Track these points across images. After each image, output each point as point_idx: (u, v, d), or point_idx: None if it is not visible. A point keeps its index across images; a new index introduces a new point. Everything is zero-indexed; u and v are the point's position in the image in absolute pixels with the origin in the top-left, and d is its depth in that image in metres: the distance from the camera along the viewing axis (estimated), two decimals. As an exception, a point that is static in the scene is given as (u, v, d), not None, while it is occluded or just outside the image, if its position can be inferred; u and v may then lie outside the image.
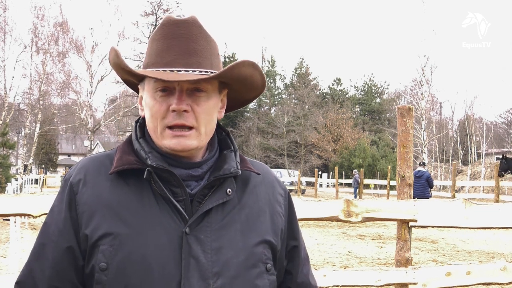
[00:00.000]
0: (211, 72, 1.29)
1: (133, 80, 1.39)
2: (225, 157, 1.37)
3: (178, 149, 1.29)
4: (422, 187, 13.73)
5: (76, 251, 1.29)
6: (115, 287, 1.24)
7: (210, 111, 1.31)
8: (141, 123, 1.39)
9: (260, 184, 1.42)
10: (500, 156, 18.57)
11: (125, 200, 1.28)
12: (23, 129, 35.47)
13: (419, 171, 13.82)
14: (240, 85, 1.36)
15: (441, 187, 32.02)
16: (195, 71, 1.28)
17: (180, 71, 1.27)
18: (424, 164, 14.77)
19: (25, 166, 31.91)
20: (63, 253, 1.29)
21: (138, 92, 1.41)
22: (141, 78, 1.34)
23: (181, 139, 1.28)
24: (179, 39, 1.29)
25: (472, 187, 32.95)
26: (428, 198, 13.09)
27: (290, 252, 1.45)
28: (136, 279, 1.23)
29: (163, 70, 1.28)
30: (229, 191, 1.32)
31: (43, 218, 1.82)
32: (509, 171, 19.16)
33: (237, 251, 1.29)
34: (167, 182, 1.29)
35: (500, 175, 19.50)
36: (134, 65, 23.53)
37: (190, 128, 1.28)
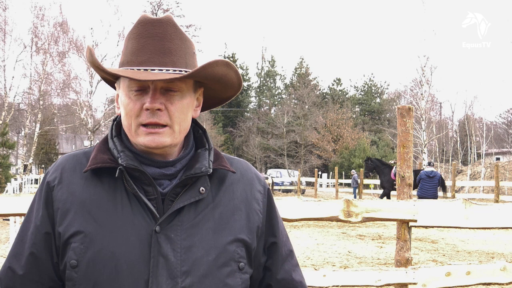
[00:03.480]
0: (186, 71, 1.30)
1: (110, 78, 1.40)
2: (198, 156, 1.38)
3: (152, 146, 1.30)
4: (435, 187, 13.74)
5: (53, 247, 1.32)
6: (85, 284, 1.26)
7: (184, 110, 1.33)
8: (118, 121, 1.41)
9: (238, 181, 1.42)
10: (393, 161, 20.06)
11: (98, 198, 1.30)
12: (23, 129, 35.44)
13: (432, 171, 13.80)
14: (215, 84, 1.38)
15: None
16: (169, 70, 1.29)
17: (154, 70, 1.29)
18: (432, 164, 14.74)
19: (25, 166, 31.87)
20: (40, 249, 1.32)
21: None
22: (117, 76, 1.35)
23: (155, 136, 1.29)
24: (154, 38, 1.30)
25: (472, 187, 32.95)
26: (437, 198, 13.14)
27: (269, 248, 1.45)
28: (105, 277, 1.25)
29: (138, 69, 1.29)
30: (202, 190, 1.33)
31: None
32: (375, 170, 20.08)
33: (207, 249, 1.30)
34: (139, 180, 1.31)
35: (367, 175, 20.93)
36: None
37: (164, 126, 1.30)
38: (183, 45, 1.34)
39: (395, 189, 18.53)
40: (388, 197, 18.97)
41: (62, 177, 1.34)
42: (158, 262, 1.26)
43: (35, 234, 1.33)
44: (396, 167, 18.53)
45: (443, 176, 18.95)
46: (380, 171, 19.23)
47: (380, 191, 30.04)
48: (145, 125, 1.30)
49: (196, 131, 1.45)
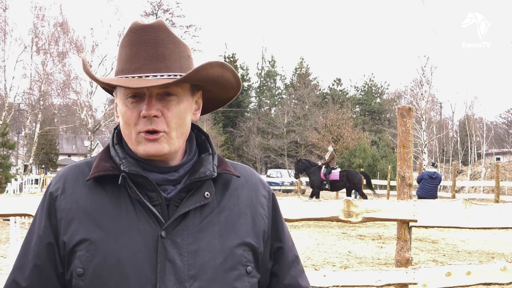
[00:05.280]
0: (180, 76, 1.29)
1: (108, 87, 1.40)
2: (202, 161, 1.37)
3: (152, 153, 1.29)
4: (436, 188, 13.83)
5: (56, 257, 1.31)
6: None
7: (182, 115, 1.31)
8: (119, 129, 1.40)
9: (242, 186, 1.41)
10: (323, 162, 20.49)
11: (102, 206, 1.30)
12: (23, 129, 35.44)
13: (435, 172, 13.88)
14: (213, 86, 1.36)
15: (441, 187, 32.01)
16: (163, 75, 1.28)
17: (148, 76, 1.28)
18: (436, 165, 14.84)
19: (25, 166, 31.84)
20: (43, 260, 1.31)
21: None
22: (112, 86, 1.35)
23: (154, 143, 1.29)
24: (146, 45, 1.29)
25: (472, 187, 32.94)
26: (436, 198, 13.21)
27: (275, 254, 1.44)
28: (112, 284, 1.24)
29: (132, 77, 1.28)
30: (207, 194, 1.32)
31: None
32: (305, 172, 20.38)
33: (214, 253, 1.29)
34: (142, 187, 1.30)
35: (297, 176, 21.38)
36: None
37: (161, 131, 1.29)
38: (177, 49, 1.32)
39: (325, 189, 19.34)
40: (318, 197, 19.45)
41: (65, 187, 1.34)
42: (165, 267, 1.25)
43: (38, 245, 1.32)
44: (325, 167, 19.20)
45: (443, 177, 19.32)
46: (310, 172, 19.66)
47: (381, 191, 30.12)
48: (143, 132, 1.29)
49: (199, 137, 1.44)
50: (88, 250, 1.26)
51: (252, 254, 1.35)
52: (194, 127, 1.44)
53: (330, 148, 20.92)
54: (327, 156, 20.27)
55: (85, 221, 1.29)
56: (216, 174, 1.35)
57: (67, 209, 1.30)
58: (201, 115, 1.43)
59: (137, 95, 1.29)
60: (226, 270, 1.30)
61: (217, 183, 1.37)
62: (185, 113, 1.32)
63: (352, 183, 19.28)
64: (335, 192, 27.31)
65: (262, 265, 1.40)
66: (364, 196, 18.93)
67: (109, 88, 1.40)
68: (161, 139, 1.29)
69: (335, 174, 19.29)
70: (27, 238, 1.37)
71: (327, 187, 19.34)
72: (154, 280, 1.24)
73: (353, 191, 27.14)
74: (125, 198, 1.30)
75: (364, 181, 21.10)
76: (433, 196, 13.49)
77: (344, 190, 20.90)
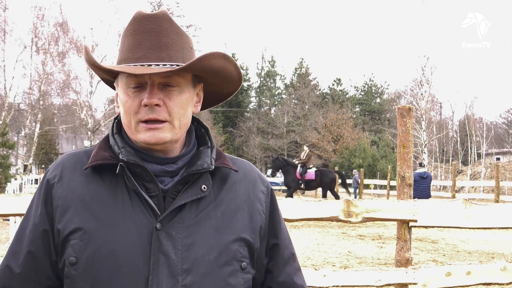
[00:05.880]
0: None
1: (109, 77, 1.39)
2: (200, 153, 1.36)
3: (152, 142, 1.28)
4: (428, 187, 13.87)
5: (51, 245, 1.30)
6: (84, 281, 1.24)
7: (183, 105, 1.31)
8: (119, 119, 1.39)
9: (240, 181, 1.40)
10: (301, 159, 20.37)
11: (98, 195, 1.29)
12: (23, 129, 35.44)
13: (424, 172, 13.94)
14: (214, 78, 1.35)
15: (441, 187, 32.03)
16: (166, 64, 1.28)
17: (151, 65, 1.27)
18: (424, 165, 14.91)
19: (25, 166, 31.84)
20: (38, 247, 1.31)
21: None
22: (115, 75, 1.34)
23: (155, 132, 1.28)
24: (149, 34, 1.29)
25: (472, 187, 32.94)
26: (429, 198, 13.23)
27: (271, 250, 1.43)
28: (104, 274, 1.23)
29: (134, 65, 1.28)
30: (204, 188, 1.31)
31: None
32: (281, 170, 20.28)
33: (209, 248, 1.28)
34: (140, 177, 1.29)
35: (273, 174, 21.41)
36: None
37: (163, 121, 1.28)
38: (180, 39, 1.32)
39: (300, 188, 19.30)
40: (291, 196, 19.43)
41: (62, 174, 1.33)
42: (159, 259, 1.24)
43: (33, 232, 1.31)
44: (300, 167, 19.29)
45: (443, 176, 19.34)
46: (286, 171, 19.61)
47: (381, 191, 30.15)
48: (144, 122, 1.28)
49: (199, 130, 1.44)
50: (81, 239, 1.25)
51: (248, 250, 1.34)
52: (194, 119, 1.43)
53: (306, 148, 20.92)
54: (303, 155, 20.24)
55: (80, 210, 1.28)
56: (213, 167, 1.34)
57: (63, 197, 1.30)
58: (201, 109, 1.42)
59: (139, 85, 1.29)
60: (220, 265, 1.29)
61: (215, 177, 1.36)
62: (187, 104, 1.32)
63: (324, 182, 19.22)
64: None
65: (258, 261, 1.39)
66: (336, 197, 18.76)
67: (110, 79, 1.40)
68: (165, 128, 1.28)
69: (311, 173, 19.29)
70: (22, 225, 1.36)
71: (302, 186, 19.32)
72: (147, 272, 1.23)
73: (357, 191, 27.18)
74: (122, 188, 1.29)
75: (340, 181, 21.10)
76: (427, 195, 13.51)
77: (342, 189, 20.88)
